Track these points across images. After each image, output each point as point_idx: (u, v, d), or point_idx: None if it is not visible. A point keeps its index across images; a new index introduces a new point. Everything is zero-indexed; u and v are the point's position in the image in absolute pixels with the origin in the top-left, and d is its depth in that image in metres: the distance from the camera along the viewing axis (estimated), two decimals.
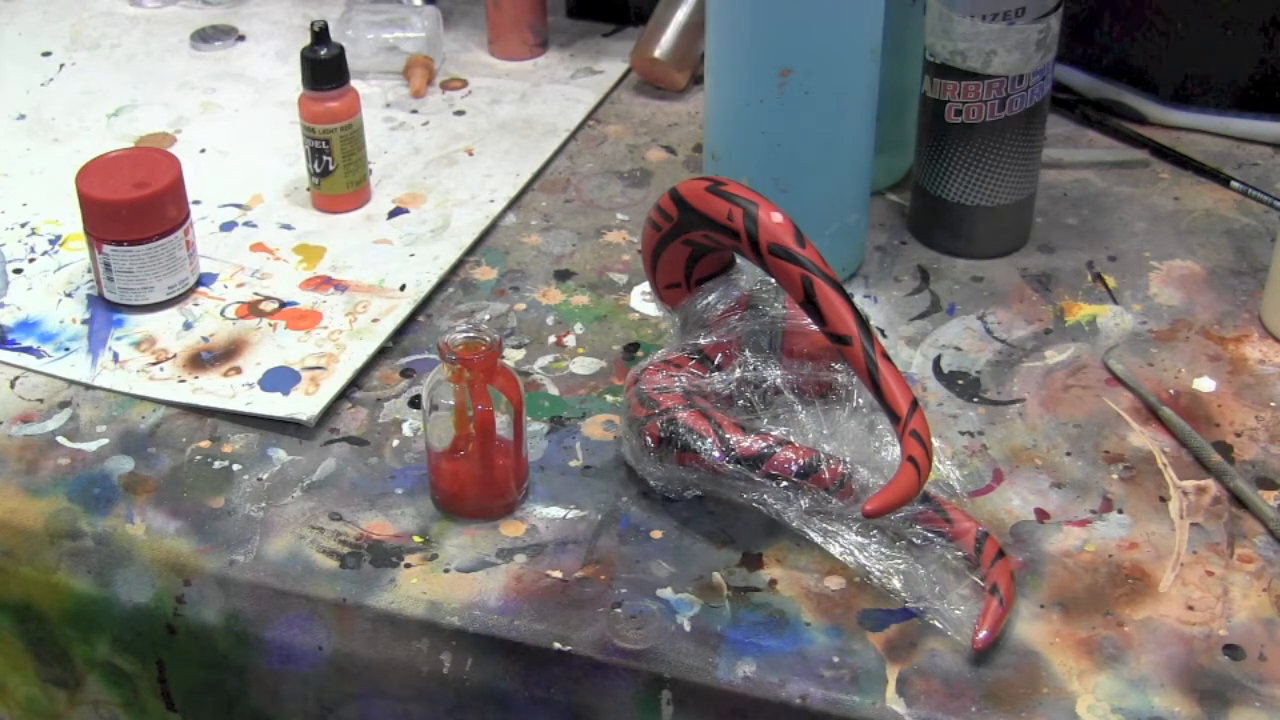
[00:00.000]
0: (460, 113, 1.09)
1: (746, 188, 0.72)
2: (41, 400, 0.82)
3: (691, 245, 0.74)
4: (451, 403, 0.72)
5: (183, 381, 0.83)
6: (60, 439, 0.80)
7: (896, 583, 0.69)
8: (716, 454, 0.70)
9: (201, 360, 0.85)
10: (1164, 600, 0.70)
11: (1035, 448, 0.78)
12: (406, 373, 0.84)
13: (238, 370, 0.84)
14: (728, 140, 0.87)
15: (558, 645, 0.68)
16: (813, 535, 0.71)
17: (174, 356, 0.85)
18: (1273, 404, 0.81)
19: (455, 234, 0.95)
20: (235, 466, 0.78)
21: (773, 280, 0.74)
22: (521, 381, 0.74)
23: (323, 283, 0.91)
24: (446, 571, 0.72)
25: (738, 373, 0.74)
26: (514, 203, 0.99)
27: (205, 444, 0.79)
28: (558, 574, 0.71)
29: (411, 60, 1.11)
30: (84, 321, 0.88)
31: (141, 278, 0.87)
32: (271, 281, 0.91)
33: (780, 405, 0.74)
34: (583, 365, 0.85)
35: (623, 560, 0.72)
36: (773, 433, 0.71)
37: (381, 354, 0.85)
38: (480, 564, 0.72)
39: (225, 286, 0.90)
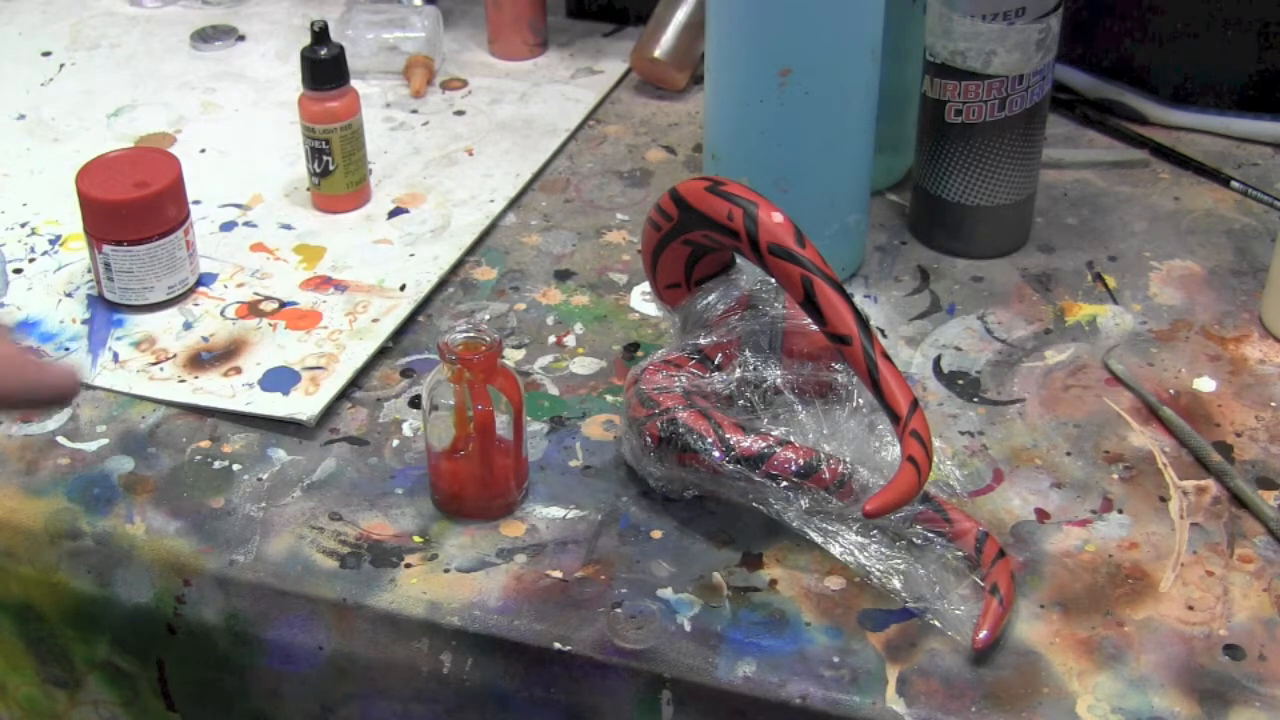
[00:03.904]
0: (460, 113, 1.09)
1: (746, 188, 0.72)
2: None
3: (691, 245, 0.74)
4: (451, 402, 0.72)
5: (183, 381, 0.83)
6: (60, 439, 0.80)
7: (896, 583, 0.69)
8: (716, 454, 0.70)
9: (201, 360, 0.85)
10: (1164, 600, 0.70)
11: (1035, 448, 0.78)
12: (406, 373, 0.84)
13: (238, 370, 0.84)
14: (728, 140, 0.87)
15: (558, 645, 0.68)
16: (813, 535, 0.71)
17: (174, 356, 0.85)
18: (1273, 404, 0.81)
19: (455, 234, 0.95)
20: (235, 466, 0.78)
21: (773, 280, 0.74)
22: (521, 381, 0.74)
23: (323, 283, 0.91)
24: (446, 571, 0.72)
25: (738, 373, 0.74)
26: (514, 203, 0.99)
27: (205, 444, 0.79)
28: (558, 574, 0.71)
29: (411, 60, 1.11)
30: (84, 321, 0.88)
31: (141, 278, 0.87)
32: (271, 281, 0.91)
33: (780, 405, 0.74)
34: (583, 365, 0.85)
35: (623, 560, 0.72)
36: (773, 433, 0.71)
37: (381, 354, 0.85)
38: (480, 564, 0.72)
39: (225, 286, 0.90)
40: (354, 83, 0.96)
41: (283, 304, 0.89)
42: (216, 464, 0.78)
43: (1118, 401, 0.81)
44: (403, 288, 0.90)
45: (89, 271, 0.90)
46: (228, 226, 0.96)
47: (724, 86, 0.86)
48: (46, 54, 1.16)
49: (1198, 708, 0.64)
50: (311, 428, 0.80)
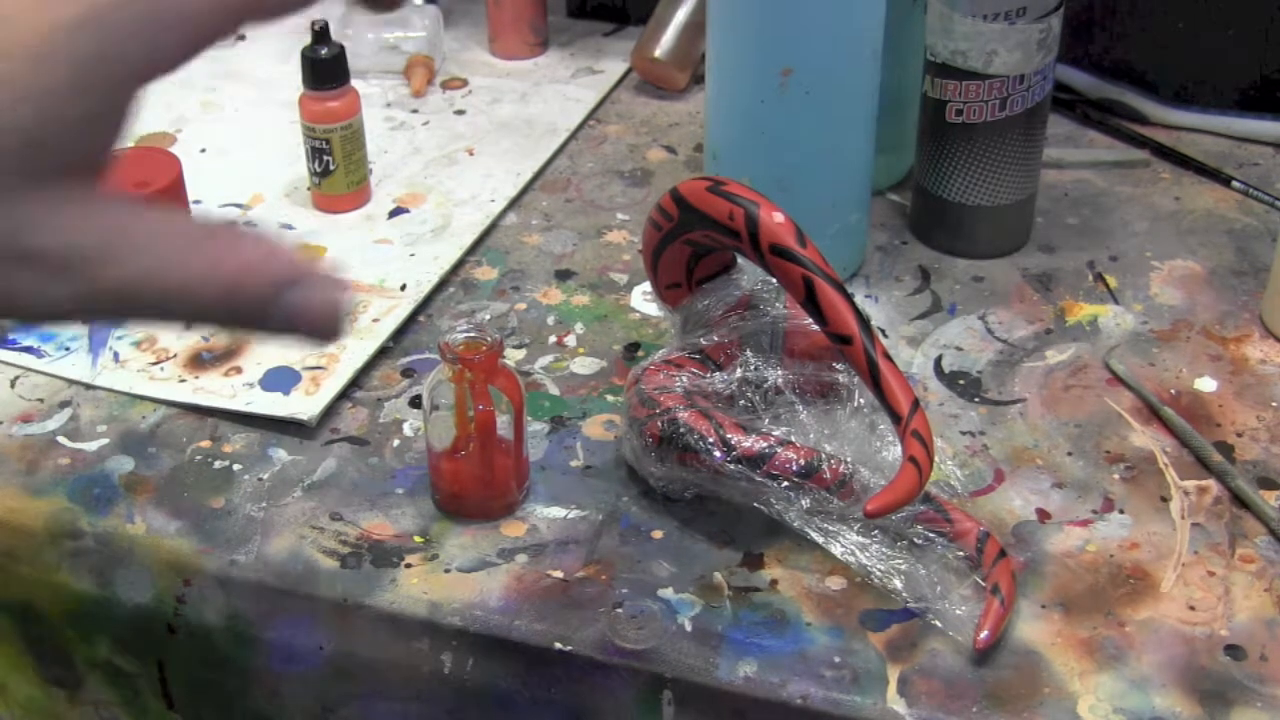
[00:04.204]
0: (461, 112, 1.09)
1: (747, 188, 0.72)
2: (42, 400, 0.82)
3: (692, 245, 0.74)
4: (452, 402, 0.72)
5: (183, 381, 0.83)
6: (61, 439, 0.80)
7: (898, 583, 0.69)
8: (717, 454, 0.70)
9: (202, 360, 0.84)
10: (1165, 600, 0.70)
11: (1036, 448, 0.78)
12: (407, 372, 0.84)
13: (238, 370, 0.83)
14: (729, 140, 0.87)
15: (559, 645, 0.68)
16: (814, 535, 0.71)
17: (174, 356, 0.85)
18: (1274, 404, 0.81)
19: (456, 234, 0.95)
20: (236, 466, 0.78)
21: (774, 280, 0.74)
22: (522, 381, 0.74)
23: None
24: (447, 571, 0.71)
25: (739, 373, 0.74)
26: (514, 202, 0.99)
27: (206, 444, 0.79)
28: (558, 574, 0.71)
29: (412, 60, 1.11)
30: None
31: None
32: None
33: (781, 405, 0.74)
34: (583, 365, 0.85)
35: (624, 560, 0.72)
36: (774, 433, 0.71)
37: (382, 354, 0.85)
38: (481, 564, 0.72)
39: None
40: (354, 82, 0.96)
41: None
42: (217, 464, 0.78)
43: (1119, 401, 0.81)
44: (403, 287, 0.90)
45: None
46: None
47: (725, 86, 0.86)
48: None
49: (1199, 708, 0.64)
50: (312, 428, 0.80)
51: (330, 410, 0.81)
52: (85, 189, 0.41)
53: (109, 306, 0.42)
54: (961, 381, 0.83)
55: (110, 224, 0.41)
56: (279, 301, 0.43)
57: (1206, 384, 0.82)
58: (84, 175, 0.42)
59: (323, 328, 0.44)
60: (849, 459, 0.70)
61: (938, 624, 0.68)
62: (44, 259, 0.40)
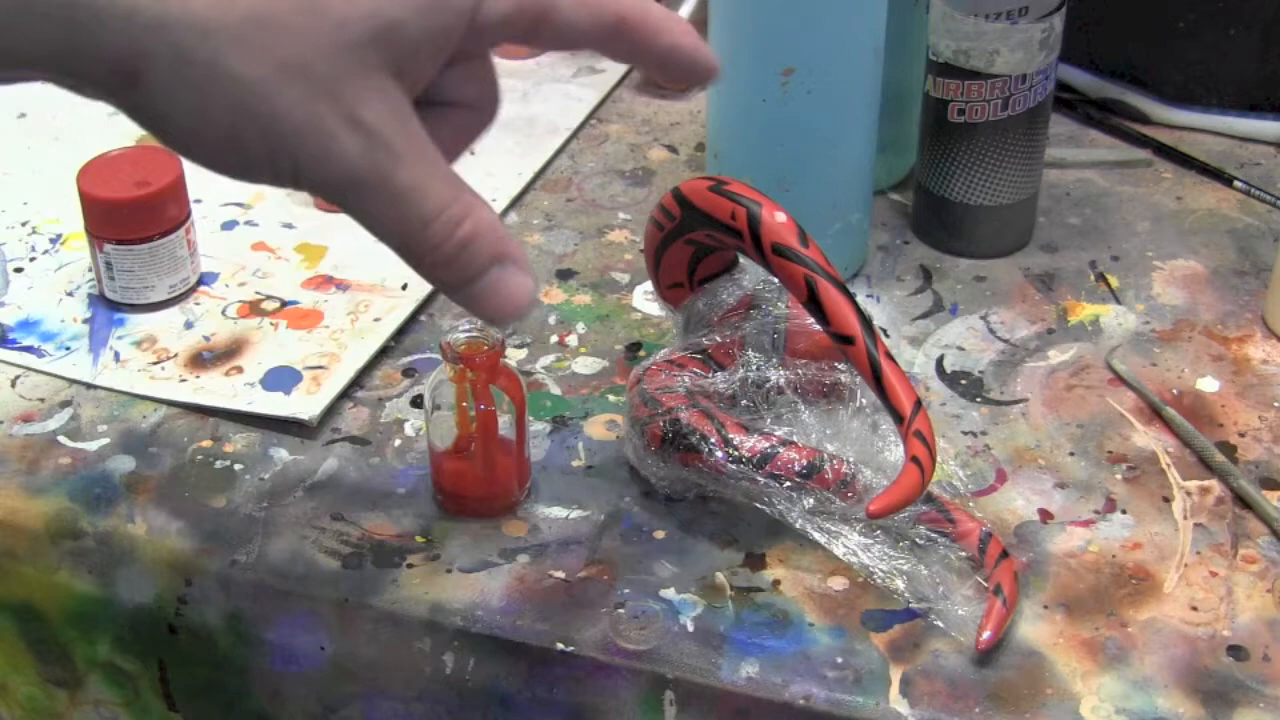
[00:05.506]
0: None
1: (749, 187, 0.72)
2: (42, 400, 0.82)
3: (694, 245, 0.74)
4: (454, 402, 0.72)
5: (184, 381, 0.83)
6: (61, 438, 0.80)
7: (900, 583, 0.69)
8: (719, 454, 0.70)
9: (203, 359, 0.84)
10: (1167, 601, 0.70)
11: (1038, 448, 0.78)
12: (408, 372, 0.84)
13: (239, 370, 0.83)
14: (730, 139, 0.87)
15: (560, 646, 0.68)
16: (816, 536, 0.71)
17: (175, 356, 0.85)
18: (1276, 404, 0.81)
19: None
20: (237, 466, 0.78)
21: (776, 280, 0.74)
22: (524, 381, 0.74)
23: (324, 282, 0.90)
24: (449, 572, 0.71)
25: (740, 373, 0.74)
26: (516, 202, 0.99)
27: (207, 443, 0.79)
28: (560, 574, 0.71)
29: None
30: (85, 320, 0.88)
31: (143, 277, 0.87)
32: (273, 280, 0.91)
33: (783, 405, 0.74)
34: (585, 365, 0.85)
35: (625, 560, 0.72)
36: (776, 433, 0.71)
37: (383, 353, 0.85)
38: (483, 564, 0.72)
39: (226, 286, 0.90)
40: None
41: (284, 303, 0.89)
42: (218, 464, 0.78)
43: (1121, 401, 0.81)
44: (404, 287, 0.90)
45: (90, 270, 0.90)
46: (229, 225, 0.96)
47: (726, 85, 0.85)
48: None
49: (1201, 709, 0.64)
50: (313, 427, 0.80)
51: (331, 410, 0.81)
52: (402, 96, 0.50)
53: (355, 193, 0.53)
54: (963, 381, 0.83)
55: (404, 140, 0.50)
56: (488, 272, 0.51)
57: (1209, 384, 0.82)
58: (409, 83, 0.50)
59: (506, 312, 0.52)
60: (851, 459, 0.70)
61: (940, 624, 0.68)
62: (367, 131, 0.49)
